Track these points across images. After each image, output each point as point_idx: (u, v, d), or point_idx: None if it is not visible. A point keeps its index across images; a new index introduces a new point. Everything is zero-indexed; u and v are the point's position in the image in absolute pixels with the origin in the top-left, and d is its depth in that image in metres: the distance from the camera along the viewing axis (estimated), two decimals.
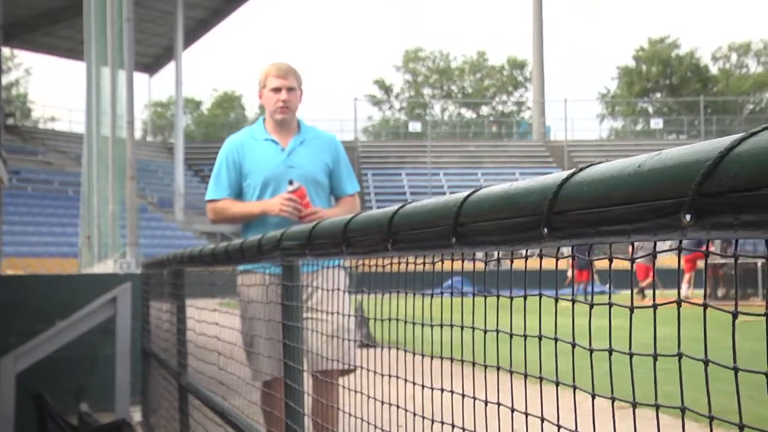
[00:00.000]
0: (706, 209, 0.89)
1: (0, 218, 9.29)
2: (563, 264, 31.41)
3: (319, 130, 4.36)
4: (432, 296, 1.66)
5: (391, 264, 1.86)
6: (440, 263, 1.70)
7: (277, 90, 4.14)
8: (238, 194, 4.18)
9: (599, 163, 1.09)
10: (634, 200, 0.98)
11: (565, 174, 1.13)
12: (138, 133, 59.01)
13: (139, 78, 50.77)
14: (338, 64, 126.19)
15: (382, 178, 49.16)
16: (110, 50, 9.14)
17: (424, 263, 1.73)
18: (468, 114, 70.95)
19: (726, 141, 0.85)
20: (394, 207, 1.68)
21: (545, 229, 1.17)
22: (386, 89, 70.73)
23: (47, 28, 42.63)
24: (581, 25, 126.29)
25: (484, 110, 71.13)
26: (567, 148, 48.56)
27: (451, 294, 1.92)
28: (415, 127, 56.90)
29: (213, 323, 3.54)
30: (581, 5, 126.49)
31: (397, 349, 1.80)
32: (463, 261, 1.60)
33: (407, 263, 1.79)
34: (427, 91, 71.16)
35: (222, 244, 3.34)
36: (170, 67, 45.66)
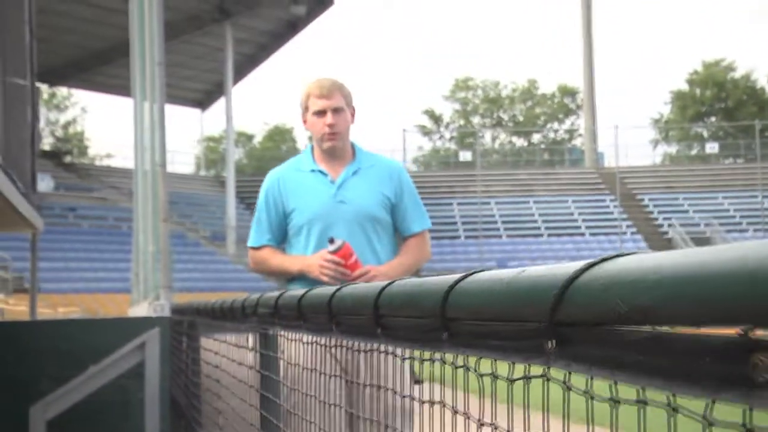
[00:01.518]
0: (567, 338, 0.81)
1: (35, 261, 9.40)
2: None
3: (379, 157, 3.75)
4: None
5: None
6: None
7: (321, 113, 3.51)
8: (282, 239, 3.62)
9: (482, 270, 1.01)
10: (504, 318, 0.90)
11: (454, 278, 1.05)
12: (191, 168, 59.86)
13: (191, 113, 51.45)
14: (387, 94, 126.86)
15: (433, 208, 48.98)
16: (149, 88, 9.28)
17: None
18: (519, 142, 70.71)
19: (572, 267, 0.77)
20: (334, 288, 1.61)
21: (445, 334, 1.10)
22: (436, 119, 70.84)
23: (100, 67, 43.49)
24: (632, 51, 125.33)
25: (535, 138, 70.82)
26: (619, 175, 48.00)
27: None
28: (465, 156, 56.76)
29: (214, 380, 3.49)
30: (632, 30, 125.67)
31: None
32: None
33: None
34: (476, 120, 71.10)
35: (219, 301, 3.31)
36: (222, 101, 46.25)
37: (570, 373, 0.81)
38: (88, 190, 44.71)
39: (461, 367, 1.05)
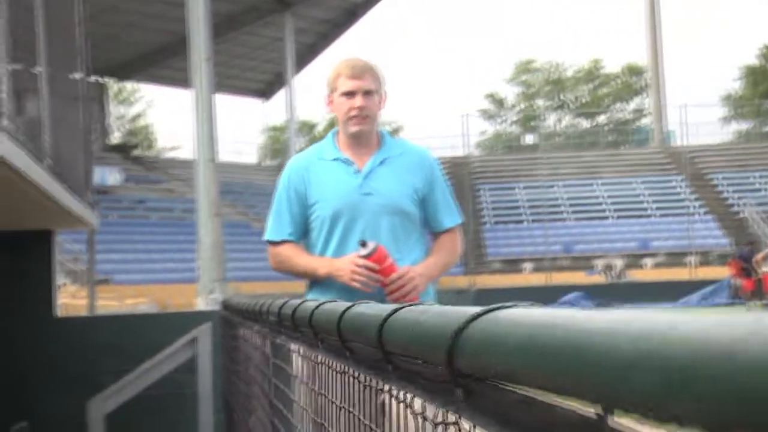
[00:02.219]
0: (471, 389, 0.76)
1: (92, 258, 9.58)
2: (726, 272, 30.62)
3: (408, 144, 3.48)
4: None
5: None
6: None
7: (350, 94, 3.24)
8: (304, 234, 3.31)
9: (417, 304, 0.96)
10: (424, 358, 0.86)
11: (390, 309, 1.01)
12: (255, 158, 60.44)
13: (254, 104, 51.76)
14: (449, 80, 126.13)
15: (497, 192, 48.74)
16: (198, 84, 9.36)
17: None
18: (584, 124, 69.76)
19: (466, 314, 0.72)
20: (316, 303, 1.58)
21: (390, 366, 1.06)
22: (499, 103, 70.27)
23: (166, 60, 44.10)
24: (699, 26, 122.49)
25: (601, 119, 69.77)
26: (689, 154, 47.04)
27: None
28: (529, 139, 56.26)
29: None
30: (699, 5, 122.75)
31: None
32: None
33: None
34: (540, 102, 70.35)
35: (247, 302, 3.30)
36: (284, 91, 46.46)
37: (474, 425, 0.77)
38: (156, 182, 45.43)
39: (402, 402, 1.01)
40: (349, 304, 1.30)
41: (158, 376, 6.72)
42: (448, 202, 3.36)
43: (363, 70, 3.25)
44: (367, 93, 3.23)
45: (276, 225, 3.32)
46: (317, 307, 1.55)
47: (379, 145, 3.32)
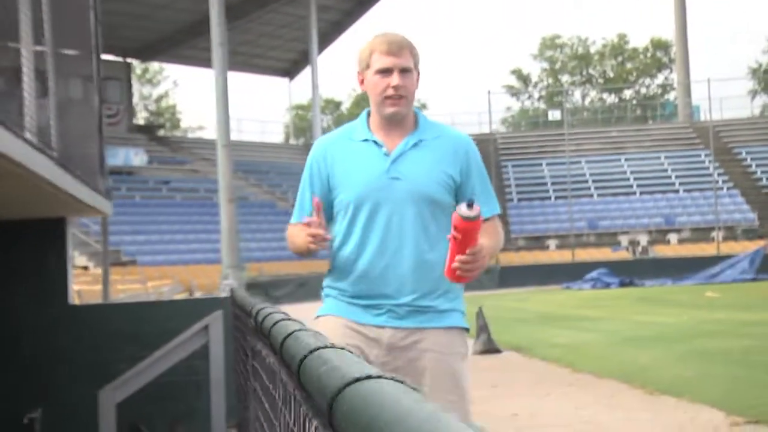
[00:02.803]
0: None
1: (106, 246, 9.62)
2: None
3: (445, 128, 3.19)
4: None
5: None
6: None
7: (386, 72, 2.98)
8: (328, 218, 3.06)
9: (330, 348, 0.92)
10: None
11: (310, 347, 0.97)
12: (281, 137, 60.54)
13: (280, 82, 51.71)
14: (474, 56, 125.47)
15: (522, 169, 48.56)
16: (215, 68, 9.33)
17: None
18: (609, 99, 69.25)
19: (344, 378, 0.68)
20: (279, 317, 1.55)
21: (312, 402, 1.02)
22: (524, 79, 69.86)
23: (190, 41, 44.12)
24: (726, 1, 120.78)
25: (627, 94, 69.21)
26: (715, 128, 46.53)
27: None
28: (554, 115, 55.93)
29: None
30: None
31: None
32: None
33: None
34: (565, 78, 69.86)
35: (242, 295, 3.28)
36: (309, 70, 46.36)
37: None
38: (181, 163, 45.55)
39: None
40: (296, 326, 1.27)
41: (170, 365, 6.72)
42: (485, 191, 3.10)
43: (400, 46, 2.99)
44: (404, 71, 2.99)
45: (298, 208, 3.11)
46: (276, 323, 1.51)
47: (414, 126, 3.07)
